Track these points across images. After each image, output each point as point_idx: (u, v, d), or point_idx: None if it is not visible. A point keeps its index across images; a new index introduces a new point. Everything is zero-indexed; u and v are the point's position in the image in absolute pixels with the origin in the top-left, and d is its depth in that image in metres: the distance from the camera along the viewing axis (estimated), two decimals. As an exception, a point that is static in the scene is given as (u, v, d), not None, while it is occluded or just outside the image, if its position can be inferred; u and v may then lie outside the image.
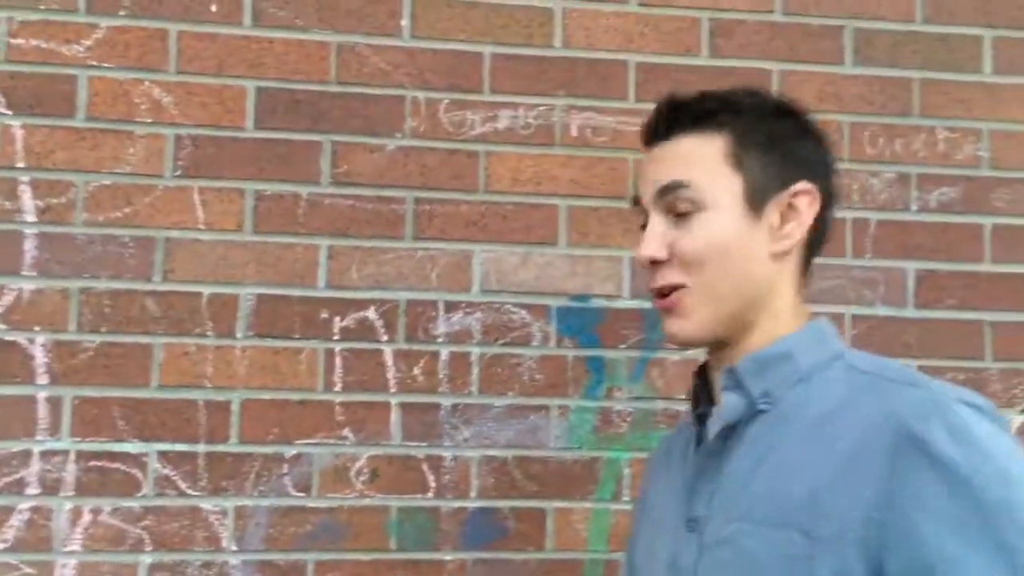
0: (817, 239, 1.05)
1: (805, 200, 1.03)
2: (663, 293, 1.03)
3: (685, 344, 1.05)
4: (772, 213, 1.02)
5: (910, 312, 1.69)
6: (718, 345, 1.04)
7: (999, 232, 1.72)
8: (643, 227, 1.05)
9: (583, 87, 1.65)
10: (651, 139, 1.06)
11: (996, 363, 1.69)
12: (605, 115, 1.65)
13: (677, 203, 1.02)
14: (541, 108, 1.64)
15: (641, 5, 1.67)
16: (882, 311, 1.68)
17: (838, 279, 1.67)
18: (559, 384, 1.61)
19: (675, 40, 1.68)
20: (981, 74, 1.74)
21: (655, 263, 1.02)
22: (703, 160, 1.03)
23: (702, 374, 1.11)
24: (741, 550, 0.95)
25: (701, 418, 1.08)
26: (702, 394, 1.10)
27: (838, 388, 0.99)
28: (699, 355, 1.10)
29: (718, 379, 1.06)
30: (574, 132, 1.65)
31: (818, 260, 1.69)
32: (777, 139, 1.04)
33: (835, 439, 0.94)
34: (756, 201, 1.02)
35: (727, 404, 1.01)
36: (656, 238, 1.02)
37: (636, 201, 1.08)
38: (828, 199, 1.05)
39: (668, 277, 1.02)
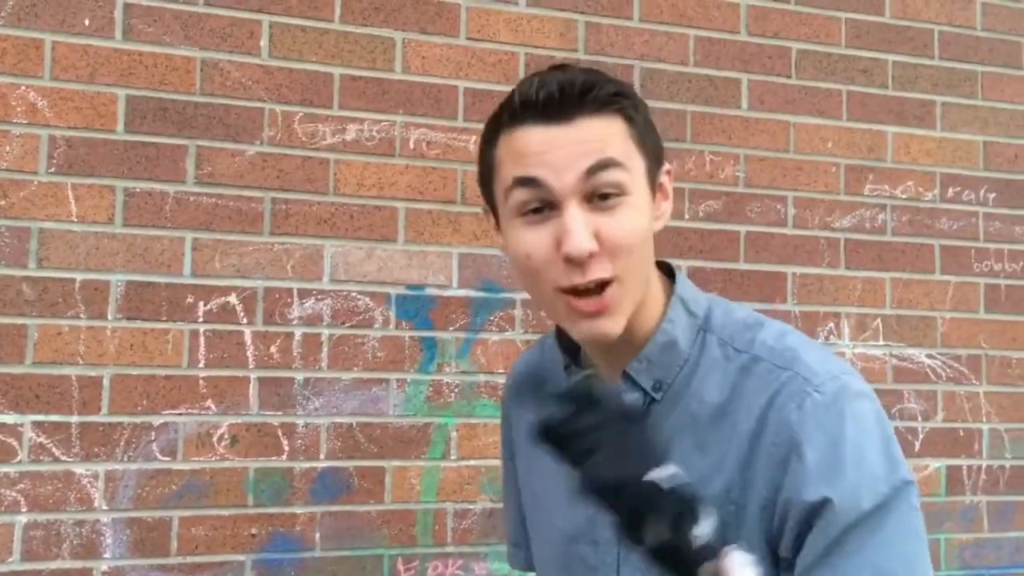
0: None
1: (669, 178, 1.05)
2: (588, 291, 0.97)
3: (608, 340, 1.00)
4: (654, 192, 1.02)
5: (683, 301, 2.07)
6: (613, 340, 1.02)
7: (751, 238, 2.13)
8: (532, 212, 0.98)
9: (419, 107, 1.92)
10: (544, 117, 0.98)
11: (748, 342, 2.11)
12: (438, 131, 1.93)
13: (603, 186, 0.97)
14: (383, 123, 1.90)
15: (470, 39, 1.97)
16: (661, 300, 2.05)
17: (627, 273, 2.02)
18: (397, 360, 1.88)
19: (497, 70, 1.98)
20: (739, 109, 2.15)
21: (590, 256, 0.94)
22: (619, 141, 0.99)
23: (567, 343, 1.11)
24: None
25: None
26: (573, 364, 1.11)
27: (721, 373, 1.03)
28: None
29: (595, 357, 1.07)
30: (411, 145, 1.92)
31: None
32: (650, 121, 1.04)
33: (732, 433, 1.01)
34: (652, 181, 1.02)
35: (635, 403, 1.03)
36: (585, 229, 0.95)
37: (527, 181, 0.98)
38: None
39: (598, 272, 0.96)
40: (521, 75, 1.99)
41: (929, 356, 2.22)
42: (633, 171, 0.98)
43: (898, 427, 2.18)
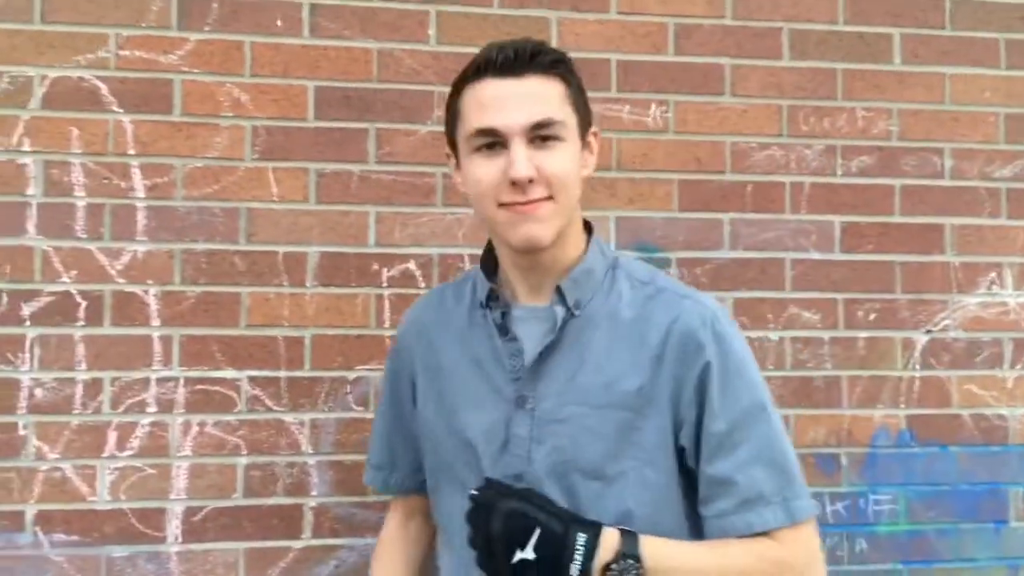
0: None
1: (596, 139, 1.40)
2: (524, 203, 1.26)
3: (537, 246, 1.28)
4: (584, 146, 1.35)
5: (837, 256, 2.12)
6: (542, 249, 1.30)
7: (906, 191, 2.15)
8: (485, 148, 1.27)
9: (575, 81, 2.05)
10: (500, 73, 1.26)
11: (904, 295, 2.13)
12: (592, 103, 2.02)
13: (543, 134, 1.26)
14: (542, 99, 2.04)
15: (620, 14, 2.07)
16: (815, 255, 2.11)
17: (779, 231, 2.09)
18: (561, 318, 2.02)
19: (648, 42, 2.08)
20: (891, 64, 2.16)
21: (529, 181, 1.24)
22: (557, 101, 1.29)
23: (490, 269, 1.41)
24: (582, 426, 1.31)
25: (501, 312, 1.37)
26: (496, 288, 1.39)
27: (629, 297, 1.35)
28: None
29: (519, 277, 1.36)
30: (568, 117, 2.05)
31: (764, 215, 2.10)
32: (582, 88, 1.37)
33: (643, 343, 1.31)
34: (582, 136, 1.34)
35: (558, 315, 1.32)
36: (527, 160, 1.24)
37: (486, 132, 1.26)
38: None
39: (539, 192, 1.26)
40: (670, 45, 2.08)
41: (1101, 305, 2.18)
42: (567, 126, 1.29)
43: (1068, 377, 2.16)
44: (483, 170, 1.28)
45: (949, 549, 2.10)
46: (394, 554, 1.61)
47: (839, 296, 2.10)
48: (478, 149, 1.28)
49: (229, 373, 1.91)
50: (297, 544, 1.91)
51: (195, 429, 1.89)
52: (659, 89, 2.07)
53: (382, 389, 1.63)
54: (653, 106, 2.07)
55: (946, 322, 2.13)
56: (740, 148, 2.09)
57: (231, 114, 1.93)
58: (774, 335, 2.07)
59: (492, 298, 1.39)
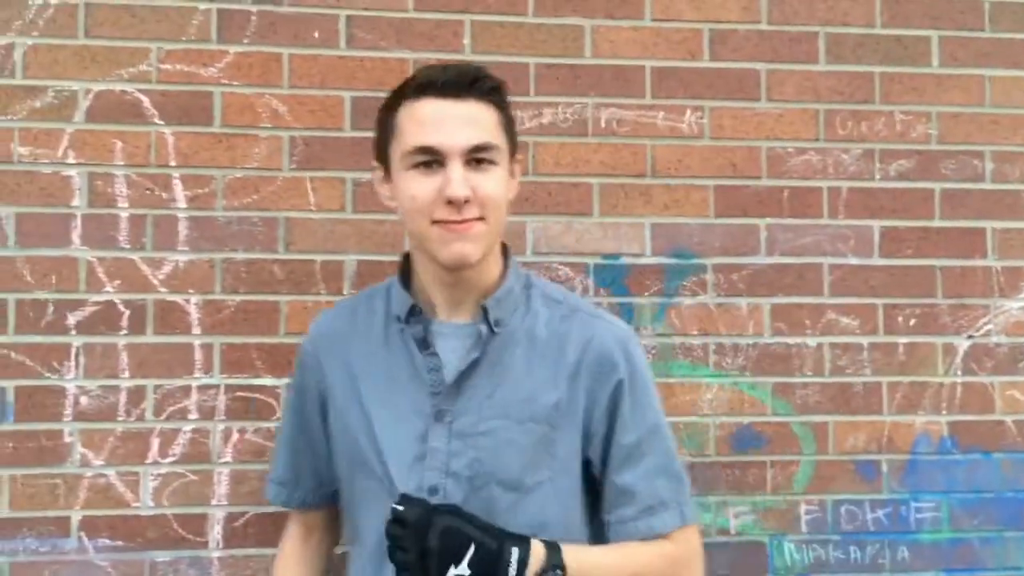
0: None
1: (519, 167, 1.45)
2: (459, 222, 1.30)
3: (466, 264, 1.33)
4: (510, 172, 1.40)
5: (876, 261, 2.10)
6: (469, 266, 1.34)
7: (946, 195, 2.12)
8: (423, 165, 1.31)
9: (609, 88, 2.05)
10: (442, 93, 1.31)
11: (945, 300, 2.10)
12: (627, 110, 2.06)
13: (479, 157, 1.31)
14: (576, 106, 2.04)
15: (654, 20, 2.07)
16: (853, 260, 2.09)
17: (817, 235, 2.08)
18: (597, 325, 2.02)
19: (682, 48, 2.08)
20: (930, 67, 2.14)
21: (465, 200, 1.29)
22: (493, 127, 1.35)
23: (407, 283, 1.45)
24: (503, 439, 1.36)
25: (420, 324, 1.40)
26: (412, 302, 1.42)
27: (545, 316, 1.43)
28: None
29: (441, 293, 1.40)
30: (603, 124, 2.05)
31: (801, 220, 2.09)
32: (512, 117, 1.42)
33: (559, 360, 1.40)
34: (511, 162, 1.41)
35: (482, 334, 1.37)
36: (464, 182, 1.29)
37: (425, 150, 1.30)
38: None
39: (472, 212, 1.30)
40: (705, 51, 2.08)
41: None
42: (501, 151, 1.35)
43: (1115, 383, 2.12)
44: (419, 187, 1.32)
45: (993, 557, 2.06)
46: (296, 571, 1.64)
47: (878, 301, 2.08)
48: (415, 166, 1.32)
49: (268, 380, 1.93)
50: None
51: (236, 436, 1.91)
52: (694, 95, 2.07)
53: (287, 403, 1.64)
54: (688, 112, 2.06)
55: (988, 327, 2.10)
56: (776, 153, 2.08)
57: (269, 125, 1.96)
58: (812, 341, 2.06)
59: (413, 313, 1.42)
